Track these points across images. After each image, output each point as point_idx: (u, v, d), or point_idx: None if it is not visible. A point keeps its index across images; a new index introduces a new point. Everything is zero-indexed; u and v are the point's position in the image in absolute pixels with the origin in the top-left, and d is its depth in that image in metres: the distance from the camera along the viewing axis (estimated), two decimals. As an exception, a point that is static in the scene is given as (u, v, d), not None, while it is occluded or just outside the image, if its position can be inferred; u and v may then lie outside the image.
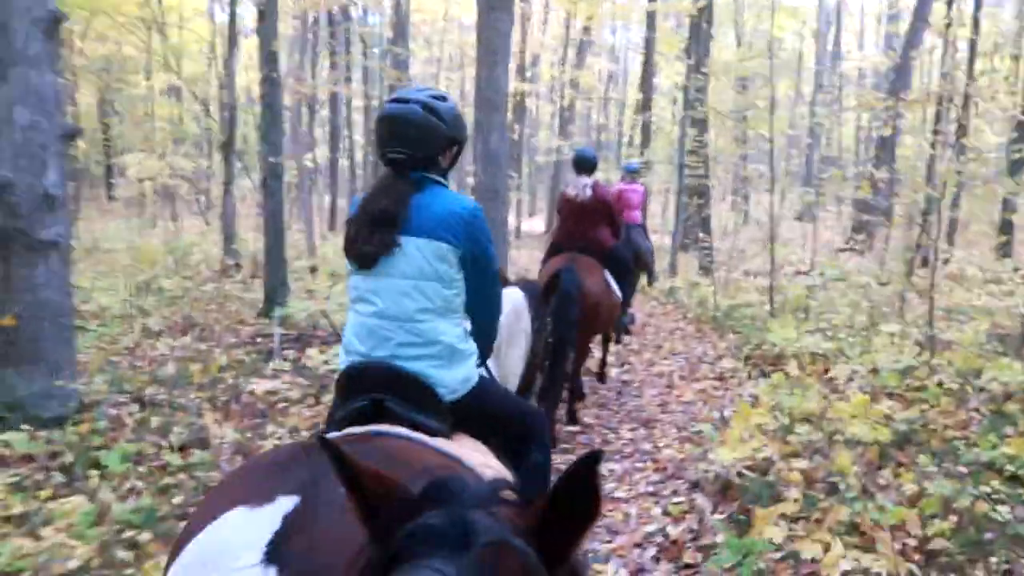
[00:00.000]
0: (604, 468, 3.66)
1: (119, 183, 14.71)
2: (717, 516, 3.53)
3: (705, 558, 3.17)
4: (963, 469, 3.99)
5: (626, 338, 7.73)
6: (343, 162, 26.04)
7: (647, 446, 4.77)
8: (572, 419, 5.14)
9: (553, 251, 5.39)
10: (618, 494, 4.01)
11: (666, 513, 3.73)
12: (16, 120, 4.13)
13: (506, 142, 7.51)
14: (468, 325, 2.21)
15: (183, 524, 1.59)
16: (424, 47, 25.73)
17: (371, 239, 1.99)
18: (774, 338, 6.52)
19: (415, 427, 1.82)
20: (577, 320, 4.51)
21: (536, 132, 33.61)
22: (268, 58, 7.39)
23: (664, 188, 25.42)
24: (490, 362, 2.48)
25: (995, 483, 3.73)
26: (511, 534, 0.83)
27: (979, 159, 13.21)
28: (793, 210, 32.64)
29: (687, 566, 3.21)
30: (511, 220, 21.26)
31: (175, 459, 4.18)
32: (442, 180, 2.15)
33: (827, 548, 2.99)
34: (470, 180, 11.15)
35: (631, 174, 8.89)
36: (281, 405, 5.15)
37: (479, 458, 1.78)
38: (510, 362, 3.06)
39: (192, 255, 14.01)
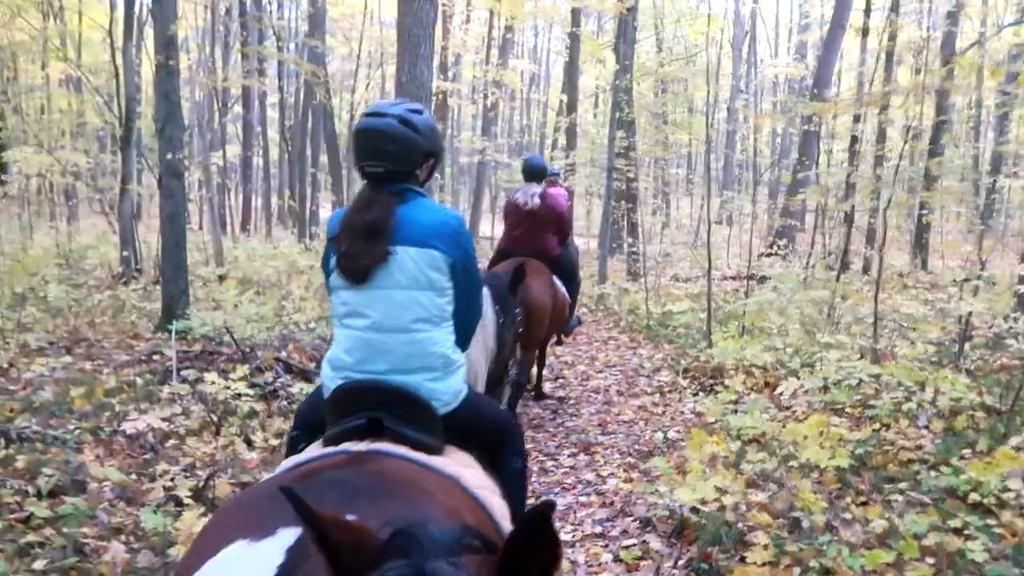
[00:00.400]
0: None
1: (6, 179, 13.46)
2: (676, 566, 3.13)
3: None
4: (926, 498, 3.75)
5: (559, 349, 7.36)
6: (257, 160, 24.91)
7: (590, 475, 4.36)
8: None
9: (500, 257, 5.28)
10: (563, 535, 3.58)
11: (618, 559, 3.31)
12: None
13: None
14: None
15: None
16: (343, 42, 24.84)
17: (363, 253, 1.98)
18: (715, 351, 6.23)
19: (411, 444, 1.82)
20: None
21: (459, 133, 33.13)
22: (165, 43, 6.66)
23: (586, 192, 25.37)
24: None
25: (962, 514, 3.48)
26: None
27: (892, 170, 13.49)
28: (715, 214, 33.38)
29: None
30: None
31: (41, 509, 3.51)
32: (422, 191, 2.16)
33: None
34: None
35: (553, 177, 8.46)
36: (174, 440, 4.50)
37: (471, 475, 1.79)
38: (473, 356, 2.90)
39: (88, 259, 12.92)
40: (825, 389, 5.00)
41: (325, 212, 22.38)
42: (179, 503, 3.63)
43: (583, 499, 4.01)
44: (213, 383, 4.80)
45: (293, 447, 2.13)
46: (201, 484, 3.77)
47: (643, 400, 6.00)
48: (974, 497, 3.63)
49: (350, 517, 1.05)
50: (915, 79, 13.85)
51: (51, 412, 4.86)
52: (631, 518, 3.70)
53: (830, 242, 14.06)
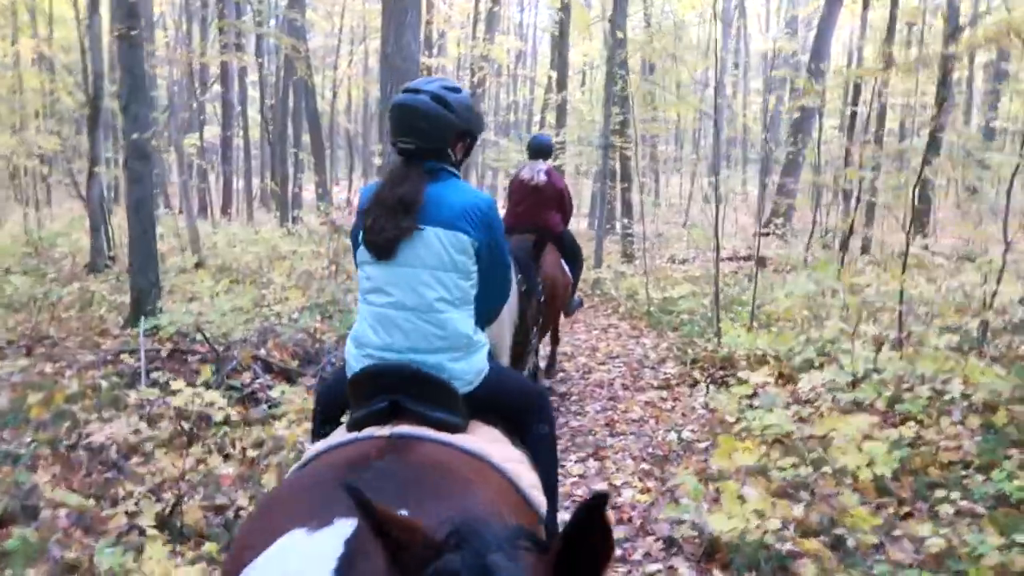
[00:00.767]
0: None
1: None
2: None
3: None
4: (978, 507, 3.38)
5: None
6: (238, 140, 24.19)
7: (602, 485, 3.97)
8: None
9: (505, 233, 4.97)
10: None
11: (642, 589, 2.93)
12: None
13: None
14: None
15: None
16: (325, 17, 24.09)
17: (389, 226, 1.96)
18: (726, 340, 5.84)
19: (434, 425, 1.81)
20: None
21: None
22: (126, 12, 6.12)
23: (576, 171, 24.88)
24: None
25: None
26: None
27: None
28: (704, 192, 32.99)
29: None
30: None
31: (-14, 542, 3.08)
32: (456, 171, 2.14)
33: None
34: (377, 160, 10.05)
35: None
36: (140, 455, 4.06)
37: (498, 450, 1.79)
38: (495, 330, 2.78)
39: (58, 247, 12.36)
40: (854, 384, 4.61)
41: (309, 194, 21.80)
42: (143, 532, 3.20)
43: (597, 515, 3.61)
44: (180, 392, 4.34)
45: (317, 427, 2.18)
46: (168, 510, 3.34)
47: (650, 395, 5.61)
48: (1031, 506, 3.27)
49: (404, 511, 1.13)
50: (926, 51, 13.45)
51: (5, 422, 4.41)
52: (653, 537, 3.31)
53: (827, 220, 13.71)
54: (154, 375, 5.12)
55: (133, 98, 6.16)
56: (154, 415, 4.52)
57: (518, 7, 42.70)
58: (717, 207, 6.97)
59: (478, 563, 0.87)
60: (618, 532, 3.42)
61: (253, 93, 26.77)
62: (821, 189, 13.52)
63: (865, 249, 13.16)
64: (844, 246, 9.51)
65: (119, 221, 11.41)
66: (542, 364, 5.55)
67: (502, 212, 2.91)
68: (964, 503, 3.39)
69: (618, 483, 3.96)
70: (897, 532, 3.12)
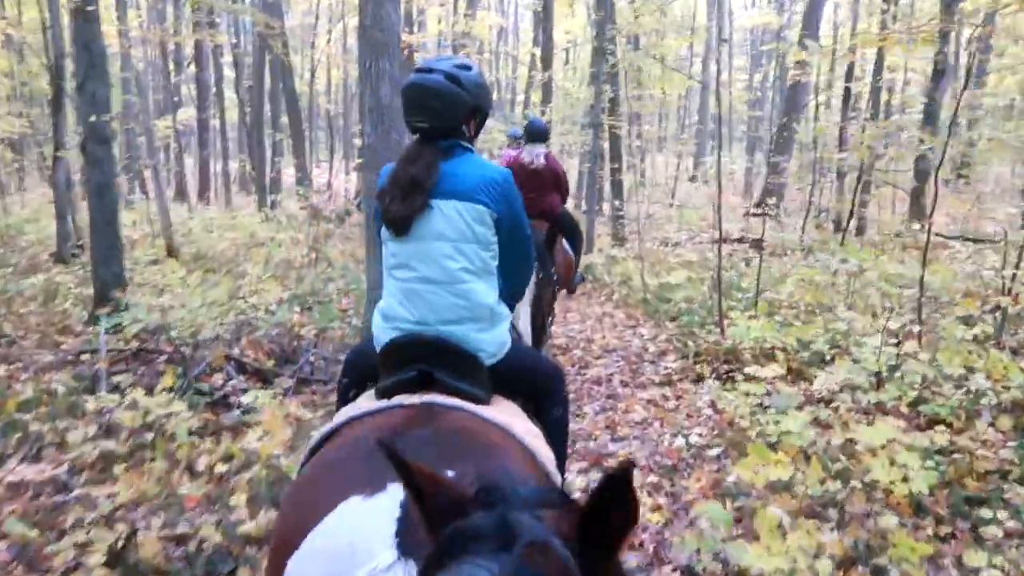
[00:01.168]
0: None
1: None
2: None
3: None
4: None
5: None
6: (214, 122, 23.50)
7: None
8: None
9: None
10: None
11: (662, 631, 2.58)
12: None
13: (400, 95, 6.06)
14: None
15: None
16: (302, -4, 23.36)
17: (403, 205, 2.01)
18: (730, 332, 5.48)
19: (462, 396, 1.86)
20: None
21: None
22: (82, -16, 5.63)
23: (562, 151, 24.40)
24: None
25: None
26: (553, 536, 0.85)
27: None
28: (691, 171, 32.65)
29: None
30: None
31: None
32: (471, 147, 2.16)
33: None
34: (357, 142, 9.59)
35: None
36: (95, 471, 3.66)
37: (519, 424, 1.84)
38: (521, 310, 2.92)
39: (26, 235, 11.82)
40: (879, 384, 4.27)
41: (289, 177, 21.21)
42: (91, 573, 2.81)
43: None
44: (142, 398, 3.94)
45: (344, 395, 2.21)
46: (120, 542, 2.95)
47: (652, 392, 5.26)
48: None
49: (449, 472, 1.23)
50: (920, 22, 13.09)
51: (-53, 436, 3.99)
52: (671, 567, 2.96)
53: (820, 199, 13.41)
54: (117, 378, 4.72)
55: (90, 76, 5.68)
56: (113, 424, 4.11)
57: (500, -17, 41.96)
58: (719, 188, 6.58)
59: (502, 520, 0.87)
60: (631, 560, 3.07)
61: (230, 73, 26.02)
62: (815, 168, 13.21)
63: (860, 230, 12.89)
64: (843, 228, 9.22)
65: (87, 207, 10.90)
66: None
67: None
68: (1012, 524, 3.07)
69: (626, 498, 3.60)
70: (944, 560, 2.79)
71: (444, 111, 2.07)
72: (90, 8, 5.60)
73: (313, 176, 19.51)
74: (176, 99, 23.08)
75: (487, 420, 1.78)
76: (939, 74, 12.33)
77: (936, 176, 4.97)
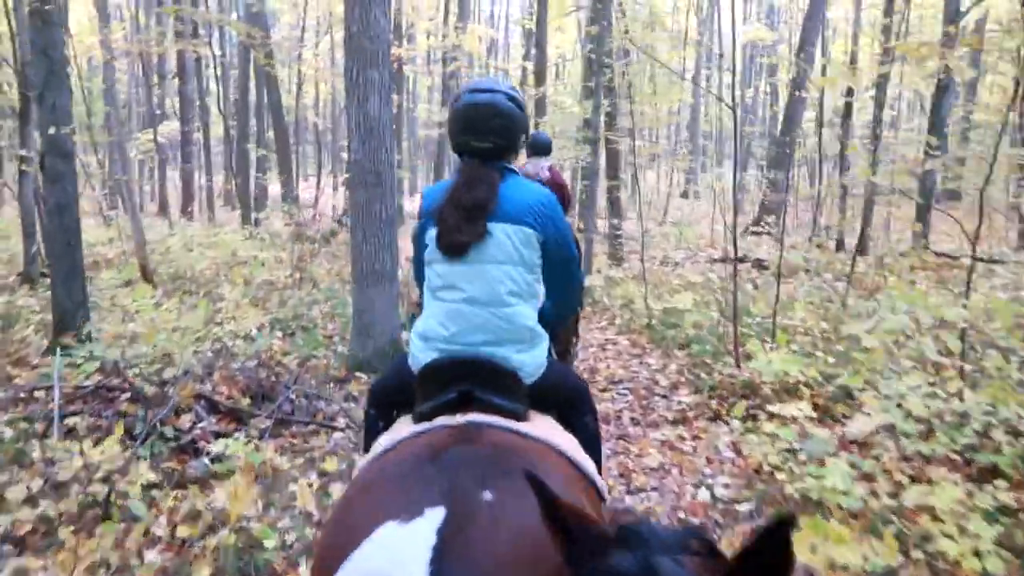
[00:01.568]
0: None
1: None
2: None
3: None
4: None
5: (577, 351, 6.17)
6: (198, 136, 22.96)
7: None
8: None
9: None
10: None
11: None
12: None
13: (390, 107, 5.66)
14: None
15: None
16: (290, 7, 22.94)
17: (465, 228, 1.99)
18: (750, 364, 5.04)
19: (501, 412, 1.84)
20: None
21: (415, 105, 31.45)
22: (42, -15, 5.17)
23: (557, 166, 24.02)
24: None
25: None
26: None
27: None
28: (681, 187, 32.40)
29: None
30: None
31: None
32: (514, 169, 2.15)
33: None
34: (344, 155, 9.13)
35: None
36: (40, 536, 3.15)
37: (560, 438, 1.84)
38: None
39: (-5, 253, 11.26)
40: (930, 432, 3.82)
41: (275, 193, 20.70)
42: None
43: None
44: (96, 445, 3.45)
45: (372, 426, 2.14)
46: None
47: (666, 432, 4.80)
48: None
49: (488, 494, 1.34)
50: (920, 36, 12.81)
51: None
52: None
53: (823, 218, 13.07)
54: (72, 420, 4.20)
55: (49, 85, 5.20)
56: (62, 479, 3.60)
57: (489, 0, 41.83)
58: (735, 209, 6.16)
59: (645, 563, 0.86)
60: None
61: (216, 87, 25.46)
62: (815, 185, 12.85)
63: (862, 249, 12.54)
64: (856, 249, 8.85)
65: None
66: None
67: None
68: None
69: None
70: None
71: (507, 131, 2.08)
72: (48, 8, 5.13)
73: (300, 191, 19.01)
74: (159, 112, 22.56)
75: (528, 435, 1.76)
76: (942, 90, 12.06)
77: (982, 196, 4.55)
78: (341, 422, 4.59)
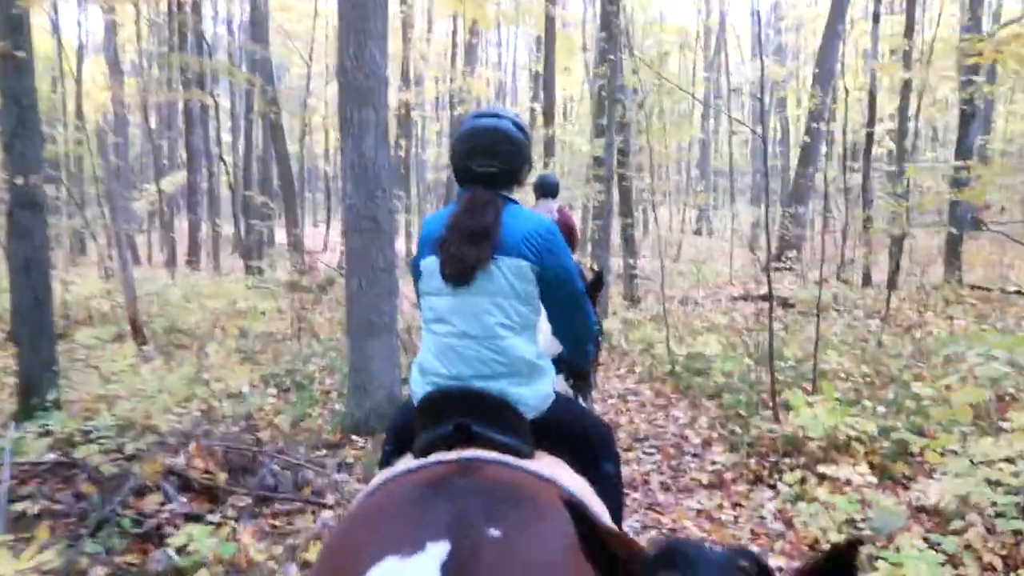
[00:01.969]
0: None
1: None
2: None
3: None
4: None
5: (597, 380, 5.64)
6: (205, 185, 22.82)
7: None
8: None
9: None
10: None
11: None
12: None
13: (386, 149, 5.23)
14: (543, 342, 2.12)
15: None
16: (295, 53, 22.94)
17: (470, 253, 1.92)
18: (798, 420, 4.46)
19: (502, 449, 1.77)
20: None
21: (424, 150, 31.37)
22: (11, 27, 4.81)
23: (567, 205, 23.67)
24: None
25: None
26: None
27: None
28: (692, 224, 32.01)
29: None
30: (400, 246, 18.82)
31: None
32: (516, 200, 2.09)
33: None
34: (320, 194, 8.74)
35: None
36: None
37: (566, 476, 1.76)
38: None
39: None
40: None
41: (281, 239, 20.40)
42: None
43: None
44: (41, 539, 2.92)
45: (385, 461, 2.06)
46: None
47: (701, 499, 4.22)
48: None
49: (495, 530, 1.27)
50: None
51: None
52: None
53: (849, 252, 12.49)
54: (21, 505, 3.69)
55: (19, 134, 4.81)
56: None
57: (496, 45, 42.13)
58: (769, 245, 5.63)
59: None
60: None
61: (226, 137, 25.39)
62: (833, 219, 12.34)
63: (892, 284, 11.94)
64: (891, 284, 8.28)
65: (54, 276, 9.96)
66: None
67: None
68: None
69: None
70: None
71: (513, 157, 2.04)
72: (20, 54, 4.77)
73: (307, 238, 18.68)
74: (164, 162, 22.47)
75: (532, 473, 1.68)
76: (968, 118, 11.59)
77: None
78: (330, 498, 4.04)
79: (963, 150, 11.32)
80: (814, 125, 13.33)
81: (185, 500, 3.85)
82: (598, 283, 3.90)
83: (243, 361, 7.22)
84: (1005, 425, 4.18)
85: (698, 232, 31.72)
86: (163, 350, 7.97)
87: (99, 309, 10.29)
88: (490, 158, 2.02)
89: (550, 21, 15.32)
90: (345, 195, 5.23)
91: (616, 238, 13.06)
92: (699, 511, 4.08)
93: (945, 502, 3.31)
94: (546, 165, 13.95)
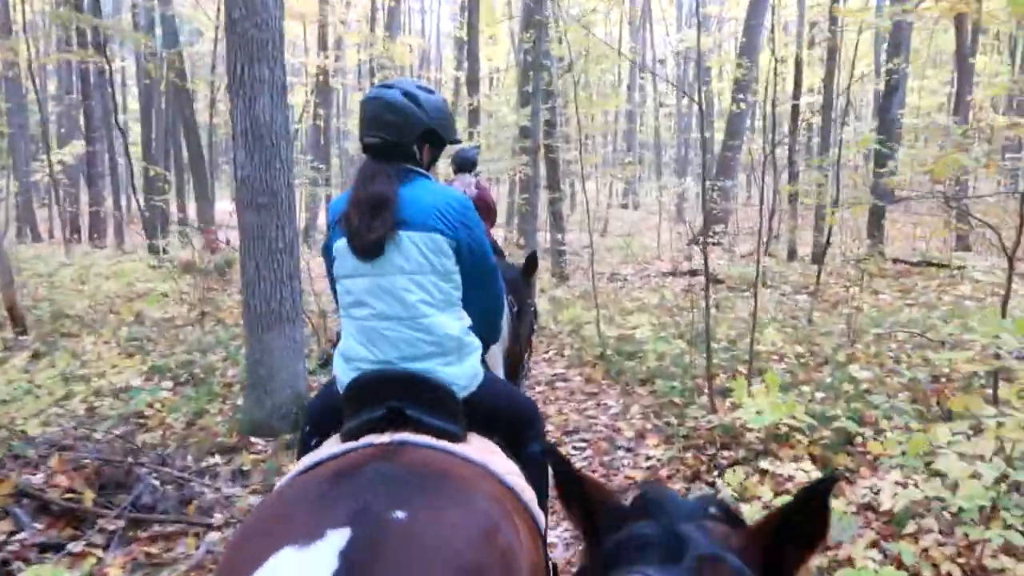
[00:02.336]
0: None
1: None
2: None
3: None
4: None
5: (529, 365, 5.25)
6: (106, 155, 21.29)
7: None
8: None
9: None
10: None
11: None
12: None
13: (285, 110, 4.65)
14: (467, 320, 2.05)
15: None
16: (210, 22, 21.51)
17: (374, 224, 1.87)
18: (743, 412, 4.15)
19: (435, 432, 1.74)
20: None
21: (346, 120, 30.25)
22: None
23: (491, 178, 23.17)
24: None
25: None
26: (726, 550, 0.78)
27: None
28: (619, 198, 31.99)
29: None
30: (322, 219, 17.96)
31: None
32: (426, 173, 2.05)
33: None
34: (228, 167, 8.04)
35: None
36: None
37: (499, 461, 1.73)
38: (494, 348, 2.53)
39: None
40: (991, 515, 2.94)
41: (192, 214, 19.23)
42: None
43: None
44: None
45: (305, 446, 1.99)
46: None
47: (636, 499, 3.88)
48: None
49: (400, 513, 1.22)
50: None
51: None
52: None
53: (777, 226, 12.48)
54: None
55: None
56: None
57: (419, 12, 40.95)
58: (706, 224, 5.34)
59: (670, 531, 0.79)
60: None
61: (134, 106, 23.73)
62: (763, 192, 12.27)
63: (815, 258, 11.96)
64: (820, 259, 8.15)
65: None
66: None
67: None
68: None
69: None
70: None
71: (397, 127, 1.96)
72: None
73: (216, 213, 17.60)
74: (63, 130, 20.85)
75: (462, 457, 1.64)
76: (891, 91, 11.62)
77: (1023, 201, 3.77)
78: (219, 516, 3.51)
79: (887, 122, 11.35)
80: (740, 96, 13.19)
81: (40, 527, 3.28)
82: (531, 265, 3.57)
83: (135, 351, 6.53)
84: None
85: (625, 206, 31.75)
86: (45, 340, 7.18)
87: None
88: (376, 129, 1.98)
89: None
90: (237, 165, 4.63)
91: (543, 212, 12.69)
92: (634, 514, 3.74)
93: (899, 507, 3.04)
94: (471, 136, 13.44)
